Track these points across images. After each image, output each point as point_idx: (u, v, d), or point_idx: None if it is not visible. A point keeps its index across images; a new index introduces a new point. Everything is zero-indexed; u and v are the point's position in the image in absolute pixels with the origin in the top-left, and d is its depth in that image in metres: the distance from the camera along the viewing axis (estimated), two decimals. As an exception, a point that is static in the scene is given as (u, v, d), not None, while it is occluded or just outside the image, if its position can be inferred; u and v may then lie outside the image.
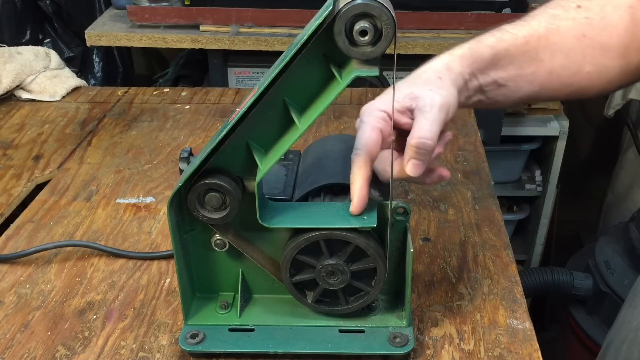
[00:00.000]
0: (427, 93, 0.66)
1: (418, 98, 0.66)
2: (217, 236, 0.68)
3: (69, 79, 1.33)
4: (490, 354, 0.69)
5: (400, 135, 0.68)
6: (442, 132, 0.66)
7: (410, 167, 0.64)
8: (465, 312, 0.75)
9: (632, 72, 0.74)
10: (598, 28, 0.72)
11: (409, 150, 0.64)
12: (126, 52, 1.97)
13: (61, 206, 0.96)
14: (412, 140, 0.64)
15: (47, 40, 1.86)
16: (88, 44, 1.62)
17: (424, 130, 0.64)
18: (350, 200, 0.66)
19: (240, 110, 0.61)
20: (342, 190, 0.71)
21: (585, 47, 0.72)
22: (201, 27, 1.60)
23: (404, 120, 0.67)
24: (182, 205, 0.66)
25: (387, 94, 0.69)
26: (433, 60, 0.71)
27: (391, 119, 0.66)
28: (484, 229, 0.89)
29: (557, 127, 1.80)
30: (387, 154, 0.67)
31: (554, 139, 1.82)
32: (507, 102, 0.75)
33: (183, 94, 1.32)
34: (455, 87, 0.68)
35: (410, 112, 0.66)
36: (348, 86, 0.59)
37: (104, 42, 1.61)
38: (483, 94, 0.73)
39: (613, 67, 0.73)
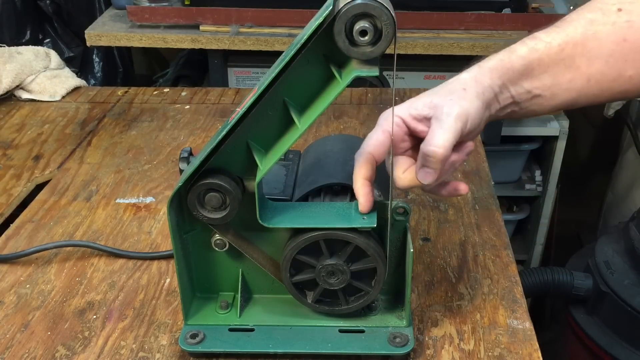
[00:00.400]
0: (447, 102, 0.65)
1: (437, 107, 0.65)
2: (217, 236, 0.68)
3: (69, 79, 1.33)
4: (490, 354, 0.69)
5: (418, 143, 0.67)
6: (461, 143, 0.66)
7: (421, 174, 0.64)
8: (465, 312, 0.75)
9: None
10: (639, 31, 0.71)
11: (420, 158, 0.64)
12: (126, 52, 1.97)
13: (61, 206, 0.96)
14: (424, 147, 0.64)
15: (47, 40, 1.86)
16: (88, 44, 1.62)
17: (436, 139, 0.63)
18: (351, 200, 0.66)
19: (240, 110, 0.61)
20: (342, 190, 0.71)
21: (627, 52, 0.71)
22: (201, 27, 1.59)
23: (420, 128, 0.66)
24: (182, 205, 0.66)
25: (409, 102, 0.69)
26: (462, 72, 0.70)
27: (406, 125, 0.67)
28: (484, 229, 0.89)
29: (557, 127, 1.80)
30: (403, 160, 0.67)
31: (554, 139, 1.82)
32: (543, 111, 0.73)
33: (183, 94, 1.32)
34: (480, 99, 0.67)
35: (428, 120, 0.66)
36: (348, 86, 0.59)
37: (104, 42, 1.61)
38: (516, 105, 0.71)
39: None
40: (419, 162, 0.64)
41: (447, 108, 0.65)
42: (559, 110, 0.72)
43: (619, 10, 0.71)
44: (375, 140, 0.66)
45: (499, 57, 0.70)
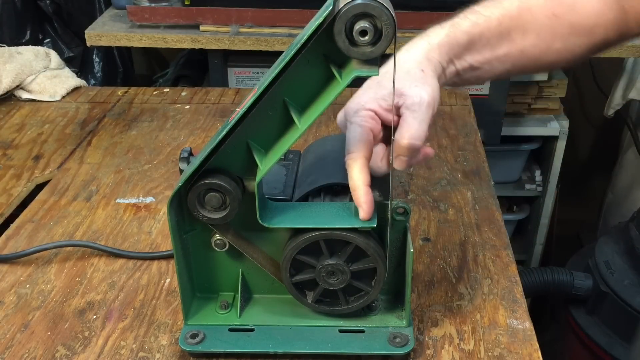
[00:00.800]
0: (414, 90, 0.67)
1: (405, 95, 0.67)
2: (217, 236, 0.68)
3: (69, 79, 1.33)
4: (490, 354, 0.69)
5: (388, 131, 0.69)
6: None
7: (399, 163, 0.66)
8: (465, 312, 0.75)
9: (595, 49, 0.78)
10: (567, 6, 0.75)
11: (399, 149, 0.65)
12: (126, 52, 1.97)
13: (61, 206, 0.96)
14: (402, 140, 0.65)
15: (47, 40, 1.86)
16: (88, 44, 1.62)
17: (413, 130, 0.65)
18: (351, 200, 0.66)
19: (240, 110, 0.61)
20: (342, 190, 0.71)
21: (556, 26, 0.75)
22: (201, 27, 1.59)
23: (389, 117, 0.68)
24: (182, 205, 0.66)
25: (367, 91, 0.70)
26: (411, 48, 0.72)
27: (379, 117, 0.68)
28: (484, 229, 0.89)
29: (557, 127, 1.80)
30: (379, 148, 0.69)
31: (554, 139, 1.82)
32: (479, 82, 0.77)
33: (183, 94, 1.32)
34: (436, 78, 0.69)
35: (397, 109, 0.67)
36: (348, 86, 0.59)
37: (104, 42, 1.61)
38: (458, 77, 0.74)
39: (580, 45, 0.77)
40: (397, 152, 0.65)
41: (417, 97, 0.66)
42: (491, 80, 0.78)
43: None
44: (363, 142, 0.66)
45: (444, 32, 0.72)
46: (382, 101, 0.68)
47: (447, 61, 0.72)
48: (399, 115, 0.67)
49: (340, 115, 0.72)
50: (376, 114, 0.68)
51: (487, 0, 0.76)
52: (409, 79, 0.68)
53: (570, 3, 0.75)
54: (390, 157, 0.66)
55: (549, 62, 0.78)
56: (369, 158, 0.66)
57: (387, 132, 0.68)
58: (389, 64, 0.64)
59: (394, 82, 0.62)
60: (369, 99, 0.68)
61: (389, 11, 0.54)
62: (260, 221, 0.65)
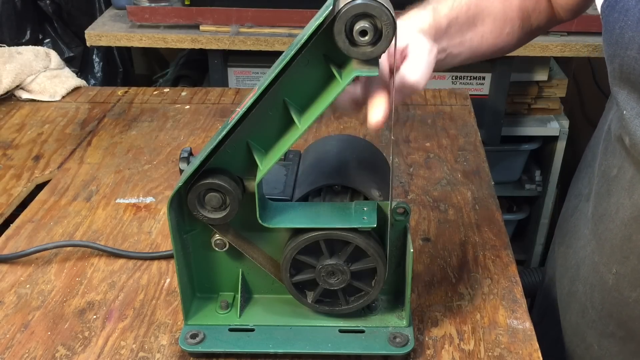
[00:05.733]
0: (421, 37, 0.67)
1: (413, 39, 0.67)
2: (217, 236, 0.68)
3: (69, 79, 1.33)
4: (490, 354, 0.69)
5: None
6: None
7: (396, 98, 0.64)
8: (465, 312, 0.75)
9: (531, 34, 0.84)
10: None
11: (399, 83, 0.65)
12: (126, 52, 1.97)
13: (61, 206, 0.96)
14: (412, 76, 0.65)
15: (47, 40, 1.86)
16: (88, 44, 1.62)
17: (422, 70, 0.66)
18: (351, 200, 0.65)
19: (240, 110, 0.61)
20: (342, 190, 0.71)
21: (507, 11, 0.79)
22: (201, 27, 1.59)
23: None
24: (182, 205, 0.66)
25: None
26: (404, 23, 0.71)
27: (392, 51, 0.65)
28: (484, 229, 0.89)
29: (557, 127, 1.80)
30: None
31: (554, 139, 1.82)
32: (442, 69, 0.78)
33: (183, 94, 1.32)
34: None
35: (402, 50, 0.67)
36: (348, 86, 0.59)
37: (104, 42, 1.61)
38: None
39: (523, 29, 0.81)
40: (398, 84, 0.65)
41: (424, 43, 0.67)
42: (448, 67, 0.79)
43: None
44: (384, 70, 0.65)
45: (429, 15, 0.73)
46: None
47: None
48: (403, 57, 0.67)
49: None
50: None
51: None
52: (415, 33, 0.69)
53: None
54: (391, 158, 0.66)
55: (500, 48, 0.81)
56: (386, 73, 0.65)
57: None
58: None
59: (393, 83, 0.62)
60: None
61: (389, 11, 0.54)
62: (260, 221, 0.65)
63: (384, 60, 0.64)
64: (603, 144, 0.80)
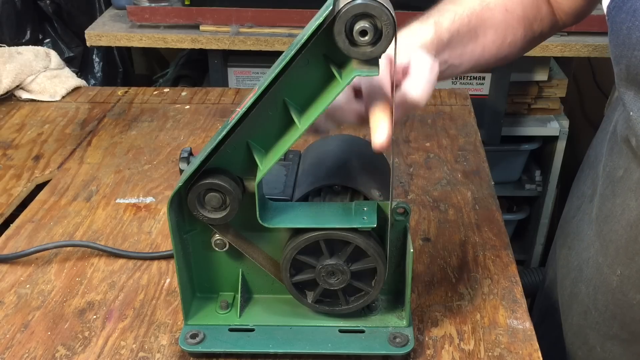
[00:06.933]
0: (423, 54, 0.67)
1: (415, 55, 0.67)
2: (217, 236, 0.68)
3: (69, 79, 1.33)
4: (490, 354, 0.69)
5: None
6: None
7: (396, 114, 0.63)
8: (465, 312, 0.75)
9: (534, 41, 0.84)
10: (515, 2, 0.80)
11: (406, 101, 0.64)
12: (126, 52, 1.97)
13: (61, 206, 0.96)
14: (414, 92, 0.64)
15: (47, 40, 1.86)
16: (88, 44, 1.62)
17: (424, 87, 0.65)
18: (351, 200, 0.65)
19: (240, 110, 0.61)
20: (342, 190, 0.71)
21: (508, 20, 0.79)
22: (201, 27, 1.59)
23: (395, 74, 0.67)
24: (182, 205, 0.66)
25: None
26: (406, 39, 0.71)
27: (392, 66, 0.65)
28: (484, 229, 0.89)
29: (557, 127, 1.80)
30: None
31: (554, 139, 1.82)
32: (443, 79, 0.77)
33: (183, 94, 1.32)
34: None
35: (404, 67, 0.67)
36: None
37: (104, 42, 1.61)
38: None
39: (525, 37, 0.81)
40: (399, 100, 0.64)
41: (425, 59, 0.66)
42: (449, 78, 0.80)
43: None
44: (385, 85, 0.64)
45: (432, 30, 0.73)
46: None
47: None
48: (404, 74, 0.66)
49: None
50: (389, 61, 0.65)
51: None
52: (419, 48, 0.69)
53: None
54: (392, 158, 0.66)
55: (503, 57, 0.81)
56: (388, 90, 0.64)
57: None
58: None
59: (393, 83, 0.62)
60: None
61: (389, 11, 0.54)
62: (260, 221, 0.65)
63: (384, 74, 0.64)
64: (608, 145, 0.80)
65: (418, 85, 0.65)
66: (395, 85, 0.65)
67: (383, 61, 0.64)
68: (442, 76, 0.75)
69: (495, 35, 0.78)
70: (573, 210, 0.90)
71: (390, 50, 0.60)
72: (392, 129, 0.61)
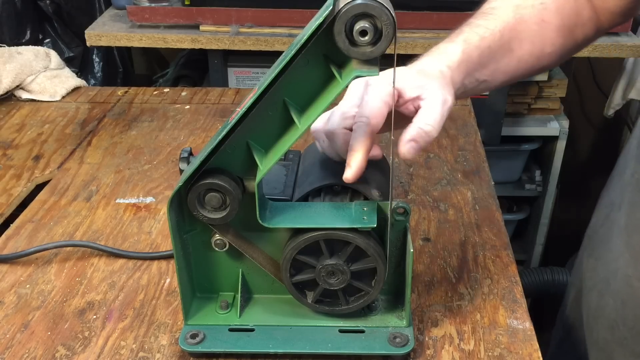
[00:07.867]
0: (439, 89, 0.66)
1: (428, 89, 0.66)
2: (217, 236, 0.68)
3: (69, 79, 1.33)
4: (490, 354, 0.69)
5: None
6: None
7: (409, 148, 0.64)
8: (465, 312, 0.75)
9: (578, 47, 0.82)
10: (552, 12, 0.77)
11: (415, 133, 0.64)
12: (126, 52, 1.97)
13: (61, 206, 0.96)
14: (425, 126, 0.64)
15: (47, 40, 1.86)
16: (88, 44, 1.62)
17: (434, 121, 0.64)
18: (351, 200, 0.65)
19: (240, 110, 0.61)
20: (342, 190, 0.71)
21: (545, 31, 0.77)
22: (201, 27, 1.60)
23: (406, 104, 0.67)
24: (182, 205, 0.66)
25: (388, 74, 0.67)
26: (432, 60, 0.71)
27: (397, 99, 0.66)
28: (484, 229, 0.89)
29: (557, 127, 1.80)
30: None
31: (554, 139, 1.82)
32: (478, 93, 0.78)
33: (183, 94, 1.32)
34: (453, 95, 0.69)
35: (413, 100, 0.66)
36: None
37: (104, 42, 1.61)
38: (464, 92, 0.74)
39: (566, 45, 0.79)
40: (411, 136, 0.64)
41: (442, 96, 0.66)
42: (488, 91, 0.80)
43: None
44: (378, 112, 0.65)
45: (459, 49, 0.72)
46: (406, 85, 0.66)
47: (462, 79, 0.71)
48: (414, 107, 0.66)
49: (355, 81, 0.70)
50: (400, 93, 0.66)
51: (482, 11, 0.77)
52: (433, 79, 0.68)
53: (553, 8, 0.77)
54: (391, 158, 0.66)
55: (542, 67, 0.80)
56: (376, 130, 0.65)
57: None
58: (413, 64, 0.65)
59: (394, 84, 0.62)
60: (389, 78, 0.67)
61: (389, 11, 0.54)
62: (260, 221, 0.65)
63: (376, 108, 0.65)
64: (637, 152, 0.79)
65: (429, 120, 0.64)
66: (406, 118, 0.66)
67: (378, 96, 0.65)
68: (476, 91, 0.75)
69: (532, 47, 0.76)
70: (601, 219, 0.88)
71: (387, 87, 0.62)
72: (364, 166, 0.64)
